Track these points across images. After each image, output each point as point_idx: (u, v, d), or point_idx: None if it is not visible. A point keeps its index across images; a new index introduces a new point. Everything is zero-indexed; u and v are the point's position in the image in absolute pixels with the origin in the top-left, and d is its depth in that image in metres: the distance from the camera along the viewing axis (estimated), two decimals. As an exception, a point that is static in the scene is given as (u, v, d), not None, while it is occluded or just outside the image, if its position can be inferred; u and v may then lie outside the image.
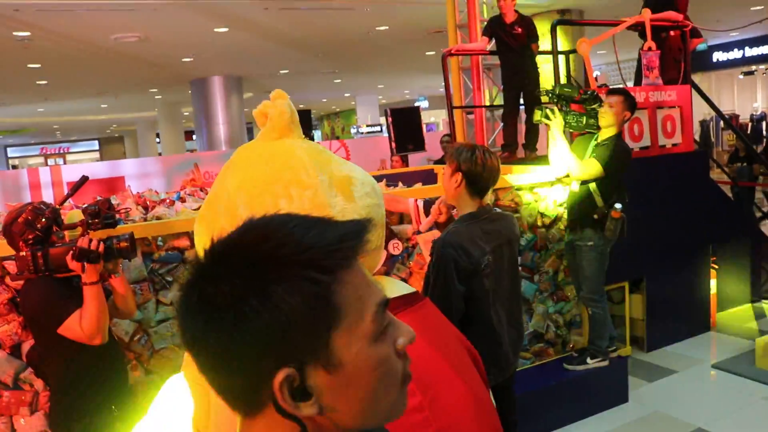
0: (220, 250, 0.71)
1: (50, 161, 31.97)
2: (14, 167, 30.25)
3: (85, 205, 2.52)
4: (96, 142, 35.24)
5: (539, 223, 4.34)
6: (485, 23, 6.48)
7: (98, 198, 2.64)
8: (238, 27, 9.97)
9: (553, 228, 4.42)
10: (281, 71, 15.66)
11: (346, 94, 23.94)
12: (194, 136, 28.27)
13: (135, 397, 3.04)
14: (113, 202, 3.61)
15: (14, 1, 7.49)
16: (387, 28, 11.40)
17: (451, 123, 6.04)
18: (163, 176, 7.24)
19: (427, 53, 14.67)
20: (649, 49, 5.32)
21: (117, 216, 2.65)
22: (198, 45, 11.18)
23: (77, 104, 19.68)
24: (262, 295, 0.65)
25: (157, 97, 19.31)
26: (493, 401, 1.47)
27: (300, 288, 0.66)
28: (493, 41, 6.20)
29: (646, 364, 4.89)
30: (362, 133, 22.54)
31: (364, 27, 11.17)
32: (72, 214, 2.74)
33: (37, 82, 14.27)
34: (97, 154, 34.71)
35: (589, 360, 4.18)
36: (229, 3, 8.52)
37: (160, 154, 23.29)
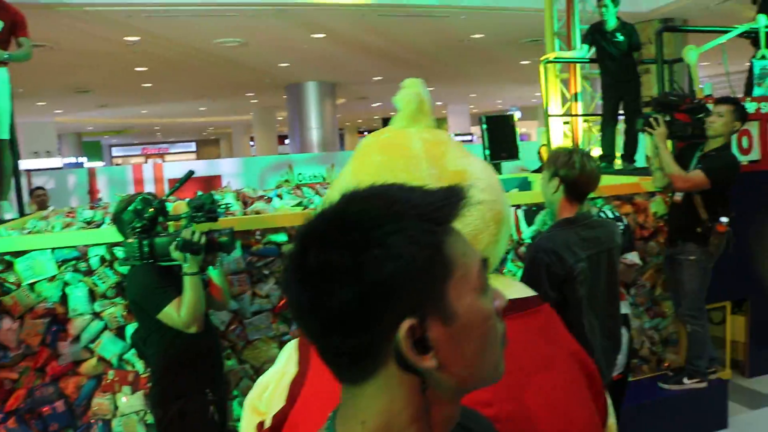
0: (331, 215, 0.73)
1: (150, 161, 33.45)
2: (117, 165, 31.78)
3: (190, 199, 2.61)
4: (193, 143, 36.64)
5: (637, 236, 4.20)
6: (585, 31, 6.34)
7: (200, 192, 2.74)
8: (334, 34, 10.15)
9: (651, 241, 4.27)
10: (374, 78, 15.82)
11: (438, 103, 23.95)
12: (286, 140, 29.07)
13: (228, 384, 3.14)
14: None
15: (128, 7, 7.89)
16: (482, 36, 11.35)
17: (548, 132, 5.94)
18: (257, 176, 7.45)
19: (521, 62, 14.51)
20: (763, 56, 5.07)
21: (219, 210, 2.74)
22: (295, 50, 11.45)
23: (177, 107, 20.53)
24: (383, 246, 0.67)
25: (252, 101, 19.89)
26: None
27: (417, 238, 0.68)
28: (593, 49, 6.06)
29: (747, 390, 4.63)
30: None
31: (459, 35, 11.15)
32: (176, 206, 2.85)
33: (143, 85, 14.96)
34: (193, 155, 36.05)
35: (686, 380, 4.00)
36: (327, 10, 8.69)
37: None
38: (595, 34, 5.93)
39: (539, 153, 8.94)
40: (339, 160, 8.64)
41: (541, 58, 6.11)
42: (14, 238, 3.08)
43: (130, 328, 3.11)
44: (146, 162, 30.50)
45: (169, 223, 2.75)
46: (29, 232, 3.18)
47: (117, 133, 30.13)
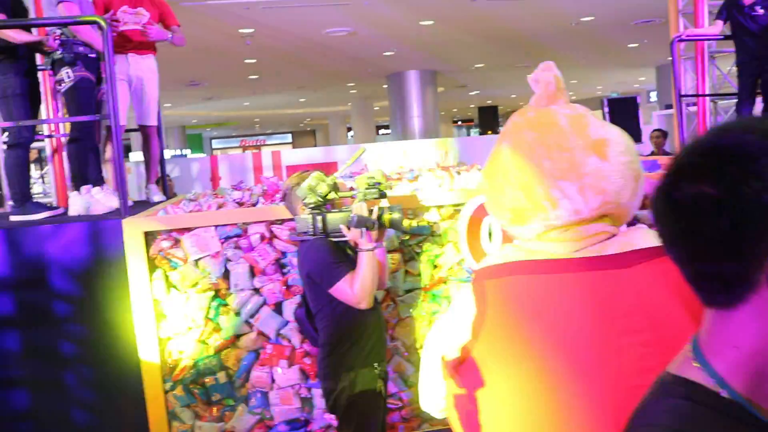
0: (703, 149, 0.77)
1: (249, 153, 34.39)
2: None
3: (364, 176, 2.66)
4: (289, 135, 37.44)
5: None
6: (719, 6, 6.05)
7: (370, 169, 2.78)
8: (443, 20, 10.12)
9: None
10: (476, 65, 15.69)
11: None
12: (380, 131, 29.29)
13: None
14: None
15: None
16: (592, 18, 11.05)
17: (679, 113, 5.72)
18: (373, 163, 7.55)
19: (629, 45, 14.05)
20: None
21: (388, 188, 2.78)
22: (401, 39, 11.49)
23: (278, 98, 21.00)
24: (762, 178, 0.70)
25: (352, 91, 20.11)
26: None
27: None
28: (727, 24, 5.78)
29: None
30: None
31: (569, 17, 10.90)
32: (341, 183, 2.91)
33: (249, 77, 15.38)
34: (289, 147, 36.85)
35: None
36: (437, -5, 8.68)
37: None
38: (731, 8, 5.65)
39: (651, 138, 8.65)
40: (452, 147, 8.63)
41: (673, 36, 5.88)
42: (181, 216, 3.23)
43: (288, 304, 3.21)
44: (243, 152, 31.46)
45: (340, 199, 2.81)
46: (192, 211, 3.32)
47: (218, 125, 31.11)
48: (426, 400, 1.60)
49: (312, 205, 2.60)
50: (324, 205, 2.64)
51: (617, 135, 1.42)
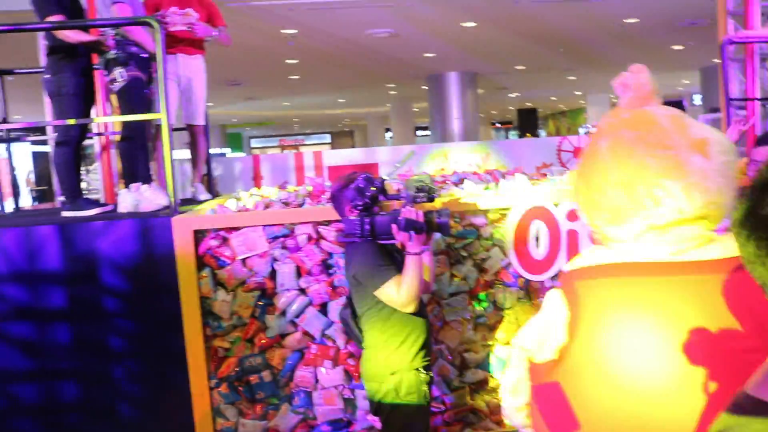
0: None
1: (285, 152, 34.70)
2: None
3: (412, 179, 2.66)
4: (328, 135, 37.63)
5: None
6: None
7: (421, 173, 2.79)
8: (485, 21, 10.06)
9: None
10: (516, 67, 15.58)
11: (577, 93, 23.25)
12: (418, 132, 29.24)
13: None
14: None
15: (290, 1, 8.17)
16: (637, 20, 10.88)
17: (727, 118, 5.60)
18: (414, 165, 7.56)
19: (673, 47, 13.81)
20: None
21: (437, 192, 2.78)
22: (443, 40, 11.46)
23: (318, 99, 21.10)
24: None
25: (391, 92, 20.11)
26: None
27: None
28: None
29: None
30: (591, 133, 21.81)
31: (613, 19, 10.74)
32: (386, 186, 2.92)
33: (290, 77, 15.48)
34: (328, 147, 37.05)
35: None
36: (482, -3, 8.63)
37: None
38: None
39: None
40: (493, 149, 8.58)
41: (722, 38, 5.76)
42: (229, 215, 3.27)
43: (334, 305, 3.22)
44: (282, 152, 31.72)
45: (387, 202, 2.82)
46: (239, 210, 3.36)
47: (258, 124, 31.42)
48: (511, 407, 1.59)
49: (360, 208, 2.61)
50: (372, 208, 2.64)
51: (717, 135, 1.42)
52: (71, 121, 3.81)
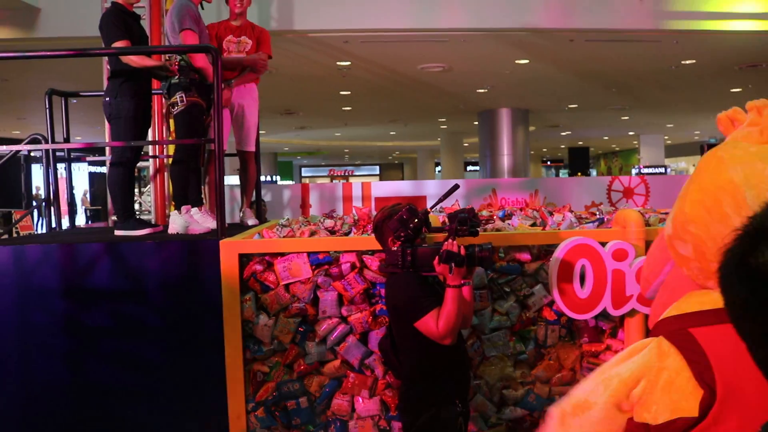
0: None
1: (334, 182, 35.10)
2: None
3: (455, 212, 2.67)
4: (377, 167, 37.95)
5: None
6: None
7: (465, 207, 2.79)
8: (539, 59, 10.07)
9: None
10: (569, 106, 15.52)
11: (630, 133, 23.01)
12: (468, 167, 29.26)
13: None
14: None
15: (346, 33, 8.33)
16: (693, 61, 10.74)
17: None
18: (462, 198, 7.55)
19: (732, 90, 13.57)
20: None
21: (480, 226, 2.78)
22: (496, 76, 11.50)
23: (369, 130, 21.34)
24: None
25: (442, 126, 20.22)
26: None
27: None
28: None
29: None
30: (643, 173, 21.49)
31: (669, 61, 10.63)
32: (431, 219, 2.93)
33: (343, 109, 15.71)
34: (377, 179, 37.32)
35: None
36: (536, 34, 8.64)
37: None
38: None
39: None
40: (542, 186, 8.51)
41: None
42: (275, 241, 3.32)
43: (374, 335, 3.22)
44: (331, 181, 32.06)
45: (428, 234, 2.83)
46: (285, 236, 3.40)
47: (309, 154, 31.87)
48: None
49: (403, 239, 2.63)
50: (414, 239, 2.65)
51: None
52: (122, 143, 3.94)
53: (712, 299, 1.23)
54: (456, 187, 2.78)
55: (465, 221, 2.61)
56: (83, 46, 5.38)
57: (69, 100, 4.77)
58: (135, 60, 3.91)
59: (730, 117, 1.43)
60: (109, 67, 4.14)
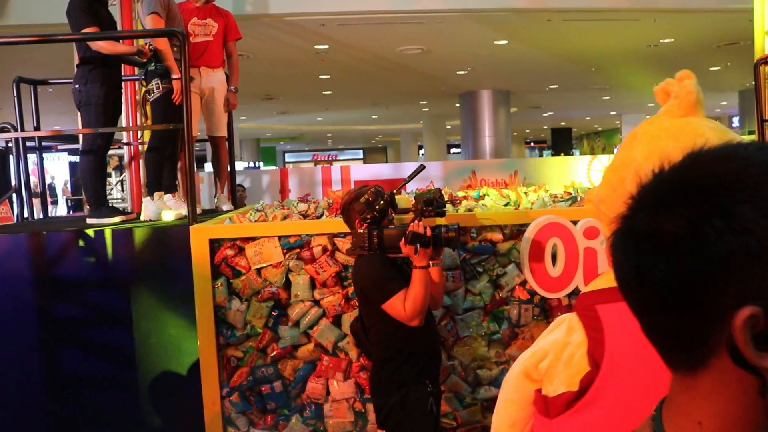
0: (670, 176, 0.65)
1: (318, 167, 34.96)
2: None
3: (419, 193, 2.66)
4: (361, 151, 37.82)
5: None
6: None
7: (431, 187, 2.78)
8: (517, 39, 10.04)
9: None
10: (550, 86, 15.51)
11: (612, 113, 23.05)
12: (452, 150, 29.22)
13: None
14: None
15: (323, 16, 8.26)
16: (672, 40, 10.76)
17: (761, 139, 5.50)
18: (441, 180, 7.55)
19: (711, 68, 13.62)
20: None
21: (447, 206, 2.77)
22: (475, 58, 11.46)
23: (351, 114, 21.23)
24: (728, 216, 0.58)
25: (424, 109, 20.16)
26: None
27: None
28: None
29: None
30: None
31: (648, 39, 10.64)
32: (400, 200, 2.92)
33: (323, 93, 15.61)
34: (360, 163, 37.22)
35: None
36: (514, 14, 8.61)
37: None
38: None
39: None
40: (521, 167, 8.53)
41: (758, 59, 5.66)
42: (246, 225, 3.30)
43: (347, 318, 3.22)
44: (315, 167, 31.97)
45: (395, 215, 2.82)
46: (257, 221, 3.38)
47: (291, 139, 31.70)
48: None
49: (369, 220, 2.62)
50: (381, 221, 2.64)
51: None
52: (87, 130, 3.89)
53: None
54: (421, 167, 2.77)
55: (431, 202, 2.60)
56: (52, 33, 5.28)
57: (45, 89, 4.70)
58: (105, 46, 3.85)
59: (663, 89, 1.41)
60: (78, 54, 4.08)
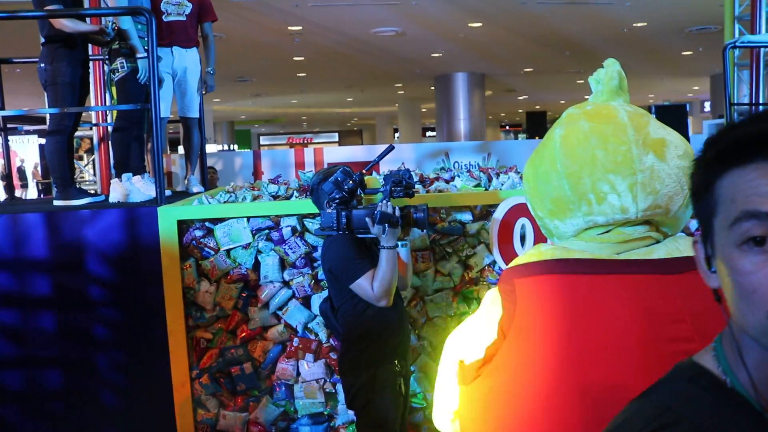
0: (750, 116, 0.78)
1: (292, 150, 34.78)
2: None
3: (387, 173, 2.66)
4: (336, 134, 37.72)
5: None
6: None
7: (401, 168, 2.78)
8: (492, 22, 10.06)
9: None
10: (524, 69, 15.56)
11: (586, 97, 23.02)
12: (427, 133, 29.25)
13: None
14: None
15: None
16: (645, 24, 10.85)
17: (729, 121, 5.57)
18: (414, 162, 7.55)
19: (683, 53, 13.76)
20: None
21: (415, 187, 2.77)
22: (449, 40, 11.47)
23: (326, 97, 21.15)
24: None
25: (399, 92, 20.14)
26: None
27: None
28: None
29: None
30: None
31: (621, 23, 10.72)
32: (370, 180, 2.92)
33: (298, 75, 15.52)
34: (336, 145, 37.12)
35: None
36: (487, -4, 8.63)
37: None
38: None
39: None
40: (495, 149, 8.55)
41: (726, 43, 5.72)
42: (214, 206, 3.27)
43: (317, 298, 3.22)
44: (290, 149, 31.83)
45: (365, 196, 2.82)
46: (226, 202, 3.36)
47: (266, 122, 31.53)
48: (439, 413, 1.50)
49: (337, 201, 2.61)
50: (350, 201, 2.64)
51: (678, 139, 1.37)
52: (50, 110, 3.83)
53: (540, 252, 1.30)
54: (391, 148, 2.77)
55: (400, 182, 2.60)
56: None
57: (12, 68, 4.60)
58: (68, 25, 3.77)
59: (594, 78, 1.50)
60: (42, 33, 4.00)
